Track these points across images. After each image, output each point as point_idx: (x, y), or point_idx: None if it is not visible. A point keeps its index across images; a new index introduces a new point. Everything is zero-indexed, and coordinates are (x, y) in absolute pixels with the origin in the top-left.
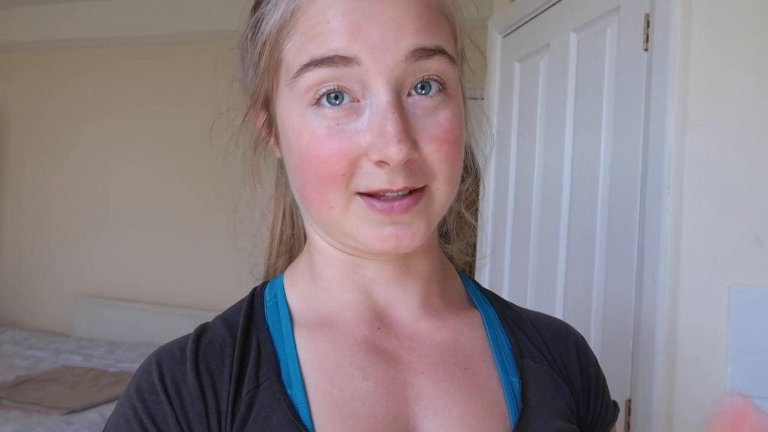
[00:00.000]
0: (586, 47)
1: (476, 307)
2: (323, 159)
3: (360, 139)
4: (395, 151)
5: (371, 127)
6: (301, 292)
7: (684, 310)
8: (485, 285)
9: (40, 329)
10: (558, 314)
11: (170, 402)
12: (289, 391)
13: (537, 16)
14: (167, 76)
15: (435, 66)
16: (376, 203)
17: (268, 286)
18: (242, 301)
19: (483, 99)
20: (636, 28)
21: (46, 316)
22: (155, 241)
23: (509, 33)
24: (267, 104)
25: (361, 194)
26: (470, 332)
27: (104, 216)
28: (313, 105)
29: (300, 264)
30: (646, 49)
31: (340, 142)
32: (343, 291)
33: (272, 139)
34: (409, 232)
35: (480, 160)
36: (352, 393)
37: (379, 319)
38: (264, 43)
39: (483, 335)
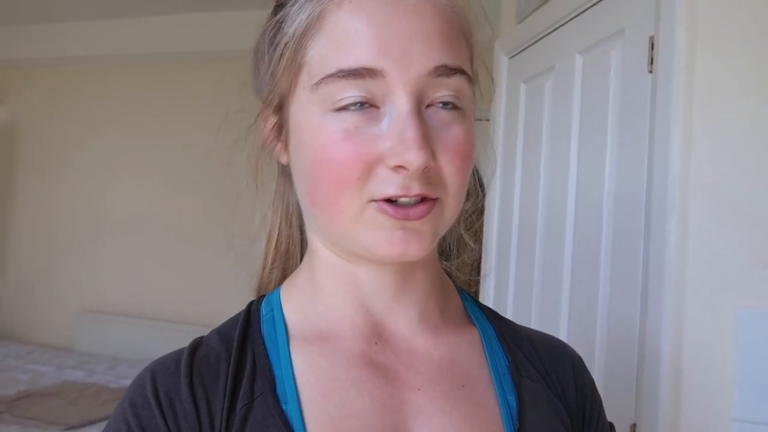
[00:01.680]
0: (591, 69)
1: (474, 324)
2: (339, 162)
3: (378, 144)
4: (415, 157)
5: (391, 133)
6: (298, 305)
7: (689, 334)
8: (489, 306)
9: (43, 344)
10: (562, 337)
11: (164, 416)
12: (283, 407)
13: (543, 38)
14: (172, 90)
15: (454, 84)
16: (390, 209)
17: (264, 299)
18: (238, 314)
19: (488, 120)
20: (641, 50)
21: (49, 331)
22: (159, 257)
23: (515, 54)
24: (279, 107)
25: (375, 201)
26: (468, 349)
27: (108, 232)
28: (332, 111)
29: (299, 277)
30: (651, 71)
31: (357, 146)
32: (343, 304)
33: (279, 145)
34: (417, 238)
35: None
36: (348, 409)
37: (377, 334)
38: (286, 44)
39: (480, 353)
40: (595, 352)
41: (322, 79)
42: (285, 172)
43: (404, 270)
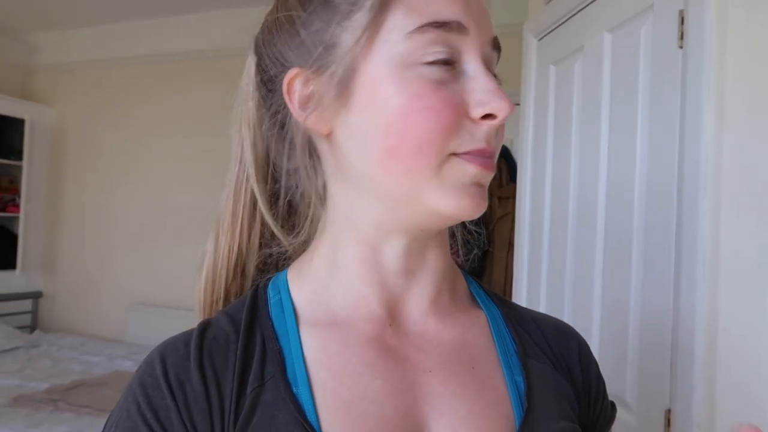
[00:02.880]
0: (621, 47)
1: (480, 307)
2: (438, 109)
3: (464, 97)
4: (507, 104)
5: (473, 88)
6: (310, 288)
7: (724, 317)
8: (523, 293)
9: (95, 335)
10: (595, 323)
11: (174, 398)
12: (294, 390)
13: (570, 18)
14: (215, 87)
15: (496, 58)
16: (474, 158)
17: (270, 282)
18: (245, 296)
19: (518, 104)
20: (670, 26)
21: (100, 323)
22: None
23: (544, 36)
24: (326, 68)
25: (456, 155)
26: (476, 331)
27: (155, 227)
28: (420, 63)
29: (314, 261)
30: (681, 47)
31: (450, 96)
32: (362, 285)
33: (314, 114)
34: (485, 196)
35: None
36: (361, 392)
37: (391, 316)
38: None
39: (488, 334)
40: (629, 337)
41: (418, 28)
42: (308, 147)
43: (422, 246)
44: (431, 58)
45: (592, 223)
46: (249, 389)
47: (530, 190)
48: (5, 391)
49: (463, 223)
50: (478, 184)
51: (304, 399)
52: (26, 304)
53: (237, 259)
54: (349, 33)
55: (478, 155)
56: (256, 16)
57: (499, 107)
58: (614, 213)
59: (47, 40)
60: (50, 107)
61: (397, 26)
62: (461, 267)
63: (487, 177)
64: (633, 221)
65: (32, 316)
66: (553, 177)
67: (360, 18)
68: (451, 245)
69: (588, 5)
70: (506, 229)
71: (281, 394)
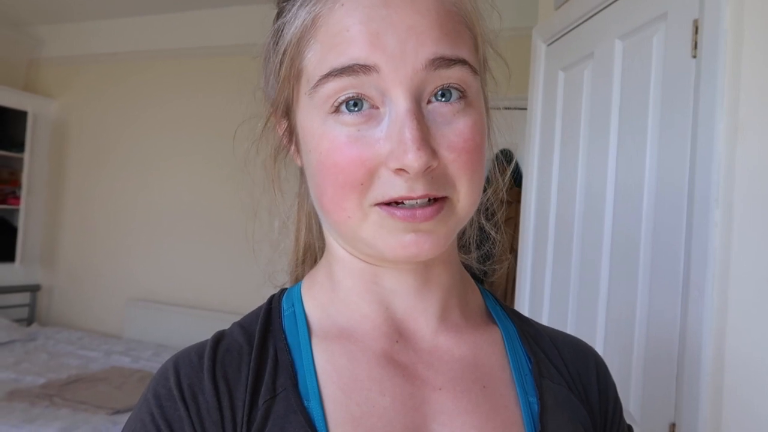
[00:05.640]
0: (632, 55)
1: (496, 323)
2: (342, 167)
3: (379, 147)
4: (414, 159)
5: (390, 134)
6: (319, 302)
7: (732, 330)
8: (525, 301)
9: (92, 330)
10: (600, 333)
11: (187, 409)
12: (306, 403)
13: (581, 24)
14: (218, 84)
15: (455, 75)
16: (397, 211)
17: (285, 294)
18: (260, 308)
19: (525, 109)
20: (684, 35)
21: (98, 318)
22: (203, 248)
23: (553, 42)
24: (287, 112)
25: (380, 204)
26: (489, 349)
27: (154, 224)
28: (332, 113)
29: (319, 273)
30: (695, 56)
31: (359, 150)
32: (362, 302)
33: (293, 147)
34: (429, 239)
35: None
36: (369, 408)
37: (398, 332)
38: (285, 52)
39: (502, 352)
40: (634, 348)
41: (318, 81)
42: (302, 173)
43: (424, 269)
44: (337, 104)
45: (599, 232)
46: (261, 401)
47: (536, 196)
48: (0, 385)
49: (477, 221)
50: (415, 231)
51: (315, 413)
52: (24, 297)
53: (305, 250)
54: (284, 83)
55: (403, 208)
56: (265, 12)
57: (406, 163)
58: (622, 222)
59: (52, 33)
60: (53, 100)
61: (309, 78)
62: (471, 269)
63: (422, 225)
64: (641, 231)
65: (30, 309)
66: (559, 184)
67: (284, 71)
68: (464, 245)
69: (599, 11)
70: (508, 234)
71: (293, 407)
